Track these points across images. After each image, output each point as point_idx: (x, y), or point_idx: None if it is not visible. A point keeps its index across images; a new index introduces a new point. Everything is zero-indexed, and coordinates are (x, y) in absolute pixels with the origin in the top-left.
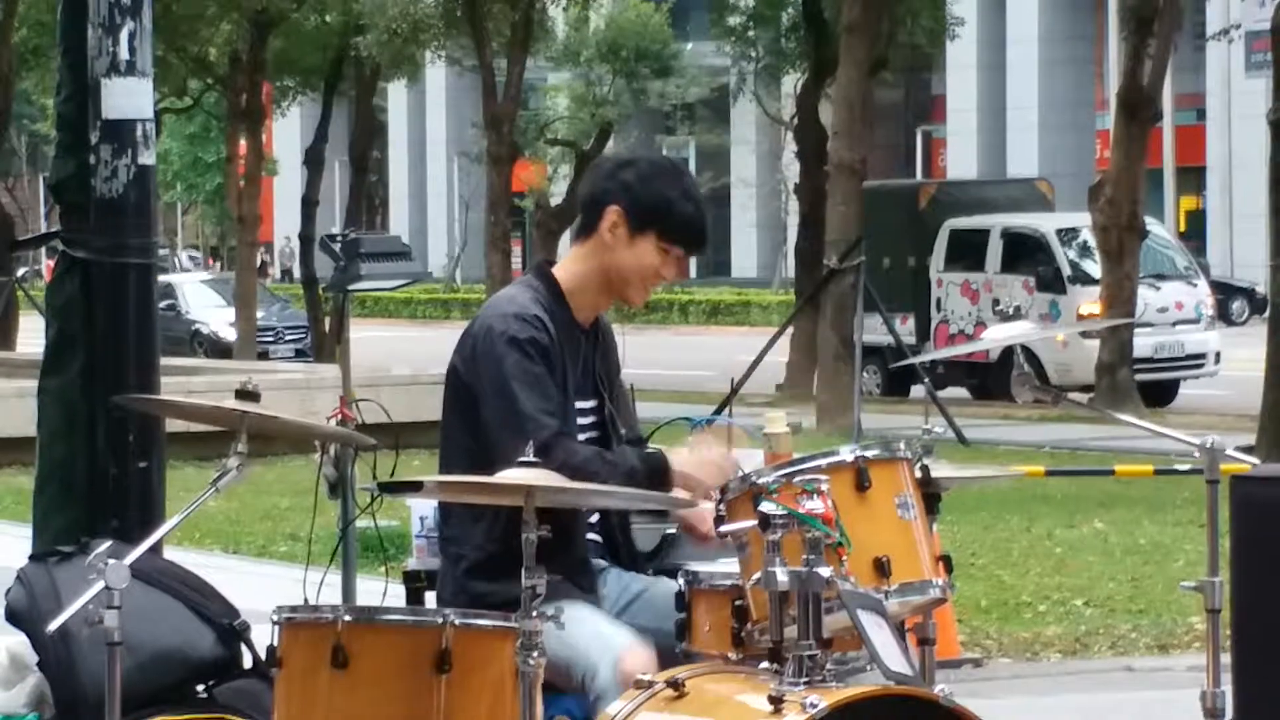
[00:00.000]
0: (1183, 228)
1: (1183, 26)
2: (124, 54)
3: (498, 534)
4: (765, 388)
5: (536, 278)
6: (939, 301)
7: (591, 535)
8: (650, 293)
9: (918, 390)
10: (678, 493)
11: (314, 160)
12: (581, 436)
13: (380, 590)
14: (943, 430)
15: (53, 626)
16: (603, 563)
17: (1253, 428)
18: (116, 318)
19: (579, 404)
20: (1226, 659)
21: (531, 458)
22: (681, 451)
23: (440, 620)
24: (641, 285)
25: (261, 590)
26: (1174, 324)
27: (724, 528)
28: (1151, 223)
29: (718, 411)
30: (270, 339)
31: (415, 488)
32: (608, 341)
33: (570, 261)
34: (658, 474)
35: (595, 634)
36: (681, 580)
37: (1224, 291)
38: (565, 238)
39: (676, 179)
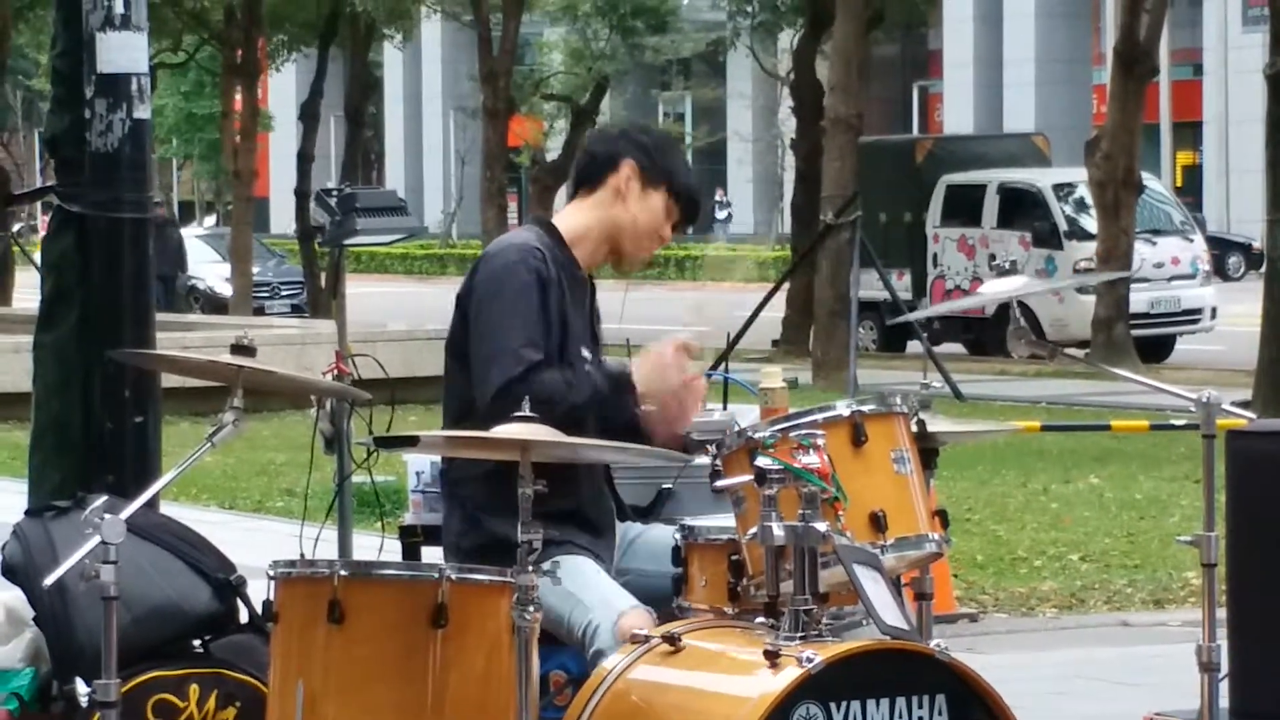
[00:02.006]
0: (1179, 183)
1: None
2: (119, 8)
3: (503, 475)
4: (761, 343)
5: (538, 225)
6: (935, 257)
7: None
8: (650, 255)
9: (914, 346)
10: (659, 363)
11: (309, 115)
12: None
13: (376, 545)
14: (939, 385)
15: (49, 581)
16: None
17: (1249, 383)
18: (112, 272)
19: (583, 351)
20: (1222, 613)
21: (527, 413)
22: (639, 361)
23: (436, 575)
24: (647, 241)
25: (258, 545)
26: (1170, 279)
27: (720, 483)
28: (1148, 178)
29: (714, 367)
30: (266, 294)
31: (411, 443)
32: (596, 297)
33: (572, 213)
34: (622, 388)
35: (599, 595)
36: (678, 535)
37: (1220, 247)
38: (561, 193)
39: (681, 155)
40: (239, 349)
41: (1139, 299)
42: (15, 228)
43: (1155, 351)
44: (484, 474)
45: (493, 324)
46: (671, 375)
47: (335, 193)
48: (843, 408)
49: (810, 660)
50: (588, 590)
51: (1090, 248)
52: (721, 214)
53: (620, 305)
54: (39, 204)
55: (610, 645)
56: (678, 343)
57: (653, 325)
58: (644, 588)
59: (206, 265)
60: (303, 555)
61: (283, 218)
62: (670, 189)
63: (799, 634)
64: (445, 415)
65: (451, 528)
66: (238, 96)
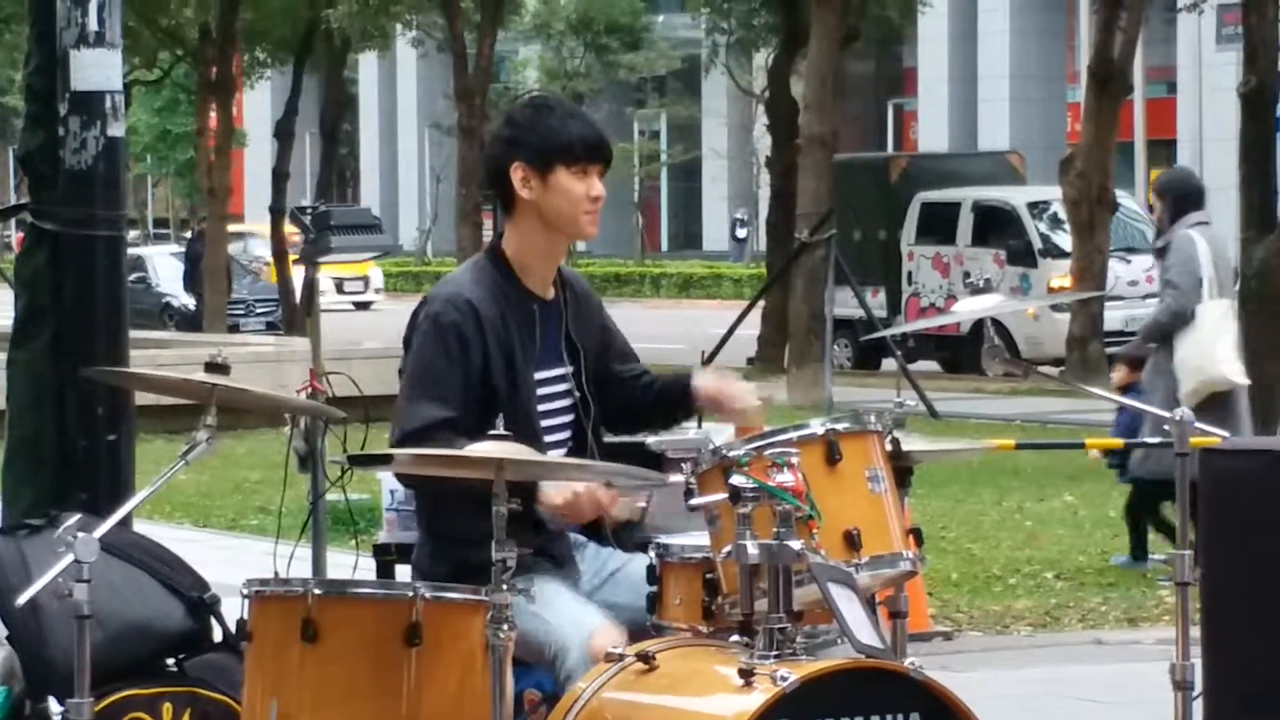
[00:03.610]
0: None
1: None
2: (93, 25)
3: (469, 504)
4: (736, 361)
5: (485, 256)
6: (910, 275)
7: None
8: (597, 219)
9: (889, 363)
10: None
11: (284, 133)
12: (552, 405)
13: (351, 564)
14: (914, 403)
15: (22, 600)
16: (581, 538)
17: None
18: (85, 290)
19: (542, 374)
20: (1196, 632)
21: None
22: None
23: (410, 593)
24: (583, 215)
25: (231, 563)
26: (1144, 297)
27: (694, 501)
28: (1122, 196)
29: None
30: (241, 312)
31: (385, 461)
32: (583, 305)
33: (510, 236)
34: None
35: (568, 614)
36: (652, 553)
37: None
38: None
39: (550, 109)
40: (213, 367)
41: (1113, 317)
42: None
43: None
44: (451, 502)
45: (406, 379)
46: (579, 509)
47: (310, 210)
48: (817, 426)
49: (785, 679)
50: (555, 610)
51: (1065, 266)
52: (742, 232)
53: None
54: (13, 221)
55: (580, 665)
56: (605, 494)
57: (631, 343)
58: (625, 621)
59: (181, 283)
60: (277, 573)
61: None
62: (563, 158)
63: (773, 652)
64: None
65: (422, 555)
66: (212, 114)
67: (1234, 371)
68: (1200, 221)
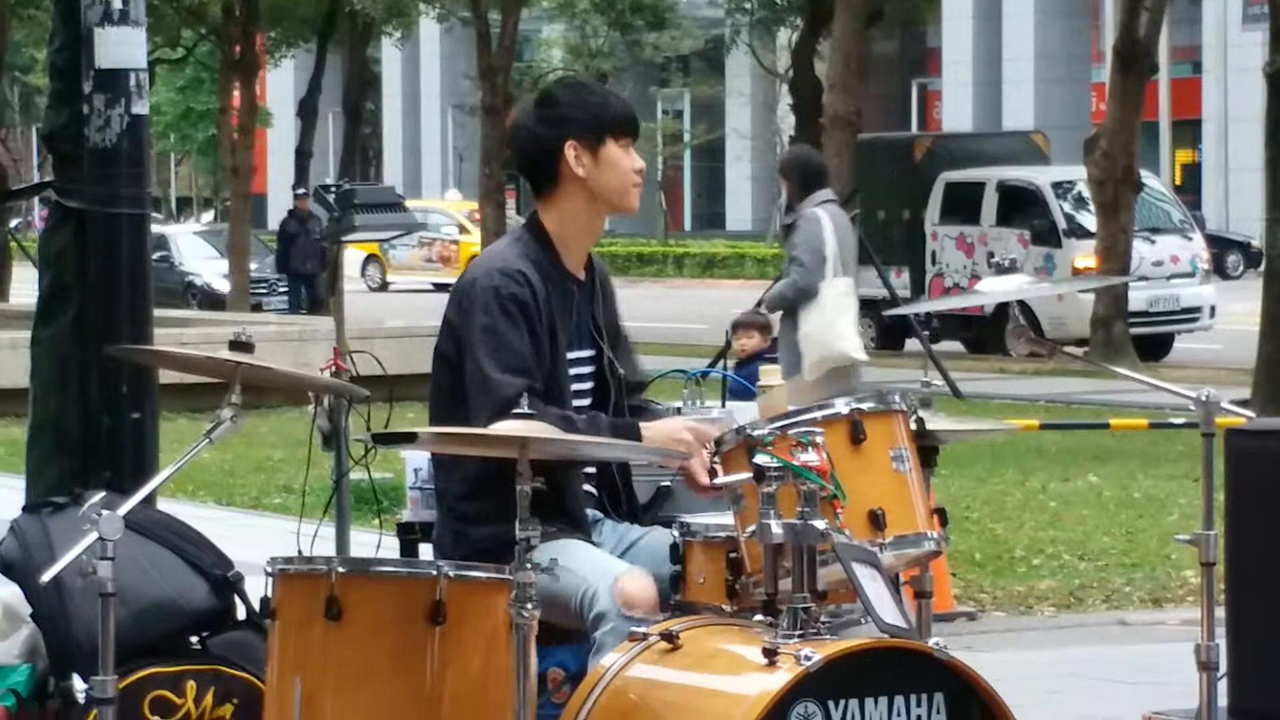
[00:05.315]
0: (1178, 181)
1: None
2: (117, 3)
3: (489, 484)
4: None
5: (527, 230)
6: (934, 255)
7: (587, 487)
8: (639, 189)
9: (913, 344)
10: (674, 438)
11: (307, 112)
12: (576, 387)
13: (374, 542)
14: (938, 384)
15: (46, 578)
16: (597, 514)
17: (1248, 381)
18: (109, 268)
19: (573, 355)
20: (1220, 613)
21: (527, 409)
22: (655, 424)
23: (434, 572)
24: (632, 188)
25: (255, 542)
26: (1169, 278)
27: (719, 480)
28: (1147, 176)
29: (712, 364)
30: (264, 290)
31: (409, 439)
32: (607, 290)
33: (550, 215)
34: (628, 438)
35: (593, 563)
36: (676, 532)
37: (1219, 245)
38: None
39: (588, 87)
40: (237, 345)
41: (1138, 297)
42: (13, 223)
43: (1154, 350)
44: (470, 487)
45: (479, 352)
46: (681, 450)
47: (333, 189)
48: (842, 405)
49: (809, 658)
50: (581, 563)
51: (1089, 246)
52: None
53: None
54: (36, 199)
55: (610, 607)
56: (701, 433)
57: (653, 323)
58: None
59: (204, 261)
60: (300, 552)
61: (280, 214)
62: (612, 131)
63: (797, 632)
64: (430, 422)
65: (443, 539)
66: (236, 92)
67: (853, 347)
68: (827, 200)
